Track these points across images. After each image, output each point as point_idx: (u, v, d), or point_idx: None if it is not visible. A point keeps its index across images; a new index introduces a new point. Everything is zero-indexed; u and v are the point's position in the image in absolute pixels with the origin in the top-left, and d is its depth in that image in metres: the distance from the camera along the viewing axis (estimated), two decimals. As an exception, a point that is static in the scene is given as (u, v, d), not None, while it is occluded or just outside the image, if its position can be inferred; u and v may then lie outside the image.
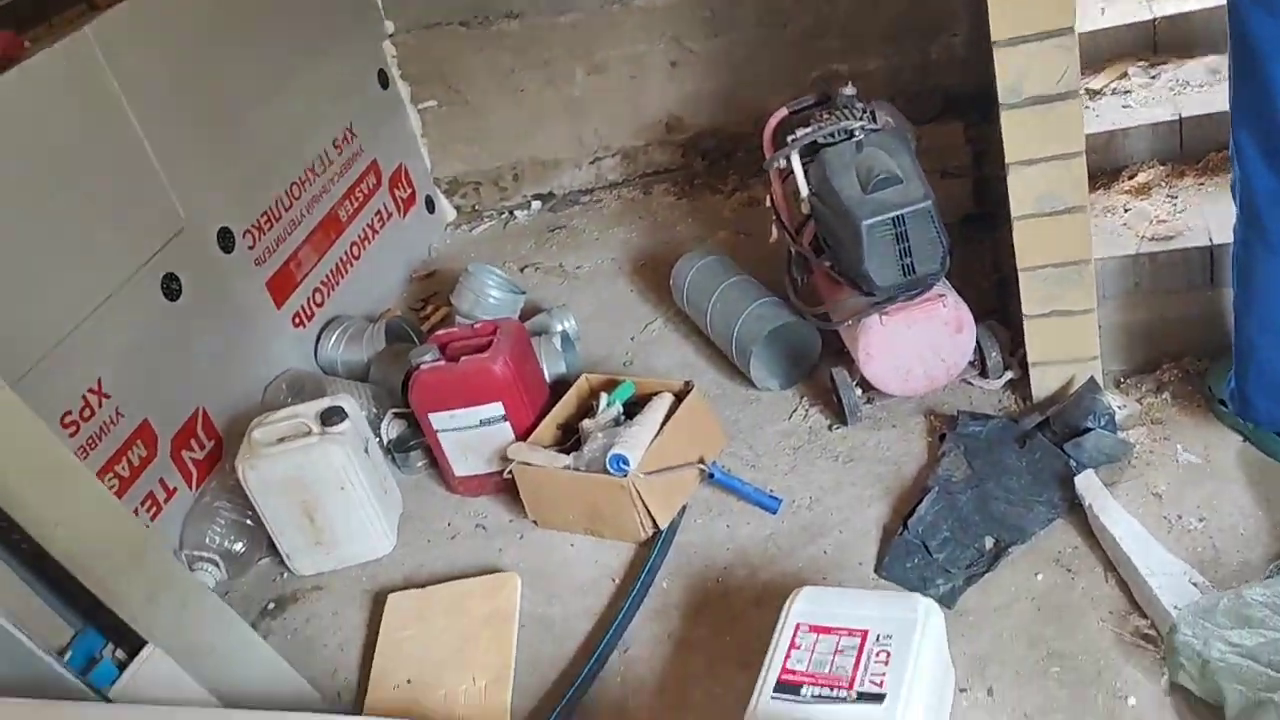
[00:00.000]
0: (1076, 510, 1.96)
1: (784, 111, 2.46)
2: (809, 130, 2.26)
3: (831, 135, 2.22)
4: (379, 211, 3.23)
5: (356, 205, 3.11)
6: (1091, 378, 2.11)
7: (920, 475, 2.15)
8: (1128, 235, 2.16)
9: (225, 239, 2.57)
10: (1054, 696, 1.67)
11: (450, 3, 3.30)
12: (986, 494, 2.03)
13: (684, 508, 2.22)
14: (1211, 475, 1.95)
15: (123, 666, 1.62)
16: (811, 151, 2.27)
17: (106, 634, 1.65)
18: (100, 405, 2.19)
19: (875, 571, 1.98)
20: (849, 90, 2.33)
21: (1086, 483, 1.97)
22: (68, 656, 1.57)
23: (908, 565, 1.96)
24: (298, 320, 2.80)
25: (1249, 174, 1.79)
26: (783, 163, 2.29)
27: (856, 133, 2.20)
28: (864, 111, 2.26)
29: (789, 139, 2.29)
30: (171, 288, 2.39)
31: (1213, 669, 1.54)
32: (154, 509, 2.30)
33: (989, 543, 1.96)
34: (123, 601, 1.63)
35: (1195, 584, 1.73)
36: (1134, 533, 1.85)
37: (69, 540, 1.57)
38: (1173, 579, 1.74)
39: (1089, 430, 2.02)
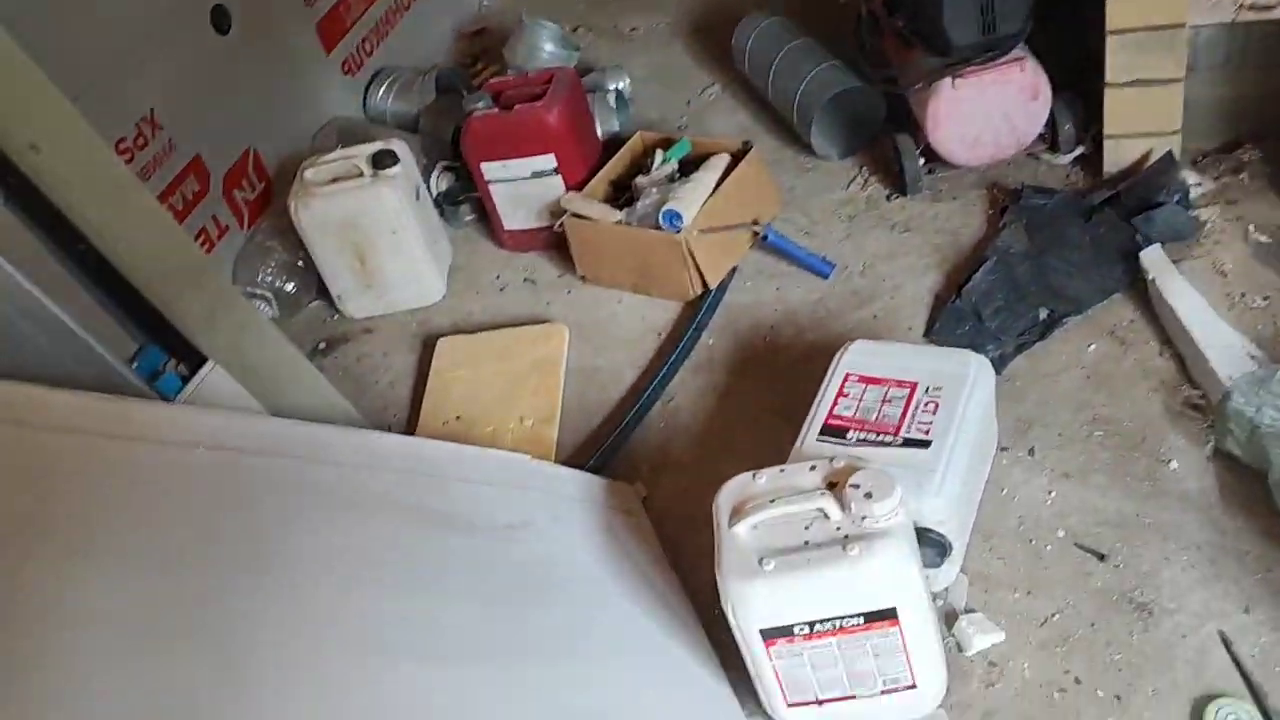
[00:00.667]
0: (1138, 286, 1.93)
1: None
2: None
3: (919, -123, 2.07)
4: (431, -41, 3.09)
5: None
6: (1169, 152, 2.03)
7: (979, 246, 2.11)
8: (1225, 2, 2.02)
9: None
10: (1095, 457, 1.69)
11: None
12: (1045, 265, 1.99)
13: (734, 269, 2.21)
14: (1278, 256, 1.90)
15: (185, 381, 1.67)
16: (892, -101, 2.13)
17: (169, 351, 1.69)
18: (153, 135, 2.17)
19: (925, 335, 1.97)
20: None
21: (1152, 257, 1.92)
22: (134, 366, 1.62)
23: (958, 331, 1.95)
24: (347, 68, 2.73)
25: None
26: (864, -92, 2.14)
27: (945, -125, 2.04)
28: None
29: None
30: (221, 21, 2.32)
31: (1262, 434, 1.54)
32: (207, 245, 2.31)
33: (1043, 313, 1.93)
34: (183, 318, 1.65)
35: (1254, 357, 1.71)
36: (1195, 305, 1.82)
37: (131, 254, 1.58)
38: (1230, 350, 1.72)
39: (1160, 205, 1.96)
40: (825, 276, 2.15)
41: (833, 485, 1.37)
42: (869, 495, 1.33)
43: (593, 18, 3.18)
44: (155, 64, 2.17)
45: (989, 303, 1.96)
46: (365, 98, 2.77)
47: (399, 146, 2.27)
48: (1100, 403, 1.77)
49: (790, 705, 1.43)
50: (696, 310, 2.14)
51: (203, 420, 1.54)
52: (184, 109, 2.23)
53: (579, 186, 2.29)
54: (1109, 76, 2.01)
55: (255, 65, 2.42)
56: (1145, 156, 2.06)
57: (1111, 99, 2.04)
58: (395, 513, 1.53)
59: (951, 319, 1.96)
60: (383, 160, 2.22)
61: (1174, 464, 1.64)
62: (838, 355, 1.69)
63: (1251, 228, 1.95)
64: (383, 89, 2.76)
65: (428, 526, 1.53)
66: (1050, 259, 2.00)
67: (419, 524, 1.53)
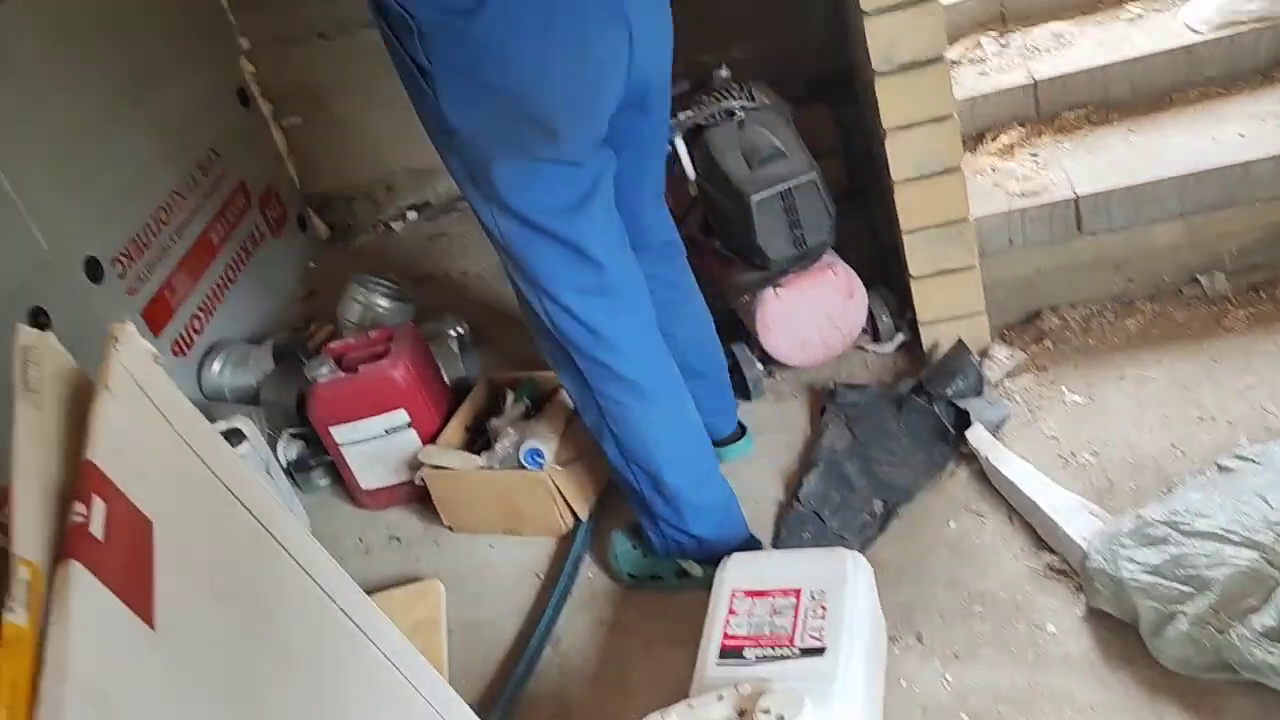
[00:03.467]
0: (973, 459, 2.04)
1: (661, 98, 2.48)
2: (690, 114, 2.29)
3: (713, 116, 2.27)
4: (251, 234, 3.13)
5: (228, 227, 3.00)
6: (959, 340, 2.19)
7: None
8: (998, 194, 2.27)
9: (93, 268, 2.45)
10: (979, 633, 1.74)
11: (307, 15, 3.23)
12: (870, 459, 2.09)
13: (601, 495, 2.22)
14: (1097, 411, 2.06)
15: None
16: (693, 135, 2.31)
17: None
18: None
19: (772, 544, 2.01)
20: (724, 72, 2.38)
21: (977, 436, 2.04)
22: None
23: (804, 535, 2.00)
24: (177, 349, 2.69)
25: None
26: (668, 148, 2.31)
27: (738, 112, 2.25)
28: (742, 91, 2.31)
29: (671, 123, 2.32)
30: (39, 322, 2.26)
31: (1126, 588, 1.62)
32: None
33: (878, 505, 2.01)
34: None
35: (1094, 514, 1.82)
36: (1028, 474, 1.93)
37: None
38: (1074, 512, 1.82)
39: (959, 392, 2.10)
40: (689, 491, 2.18)
41: (743, 713, 1.36)
42: (781, 718, 1.32)
43: (423, 266, 3.26)
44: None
45: (826, 504, 2.04)
46: (200, 376, 2.72)
47: (244, 423, 2.23)
48: (971, 577, 1.84)
49: None
50: (572, 543, 2.13)
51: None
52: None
53: (434, 437, 2.28)
54: (912, 270, 2.19)
55: (80, 360, 2.34)
56: (959, 339, 2.22)
57: (918, 290, 2.22)
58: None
59: (795, 525, 2.02)
60: (229, 440, 2.16)
61: (1051, 628, 1.71)
62: (718, 572, 1.71)
63: (1065, 389, 2.12)
64: (217, 364, 2.72)
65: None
66: (873, 452, 2.10)
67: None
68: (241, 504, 1.02)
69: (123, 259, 2.56)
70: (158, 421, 0.98)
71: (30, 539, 0.76)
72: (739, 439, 2.24)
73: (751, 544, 1.96)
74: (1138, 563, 1.64)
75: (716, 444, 2.14)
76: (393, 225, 3.51)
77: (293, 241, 3.37)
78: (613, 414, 1.84)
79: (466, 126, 1.58)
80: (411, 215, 3.52)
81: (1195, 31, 2.28)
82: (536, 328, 1.84)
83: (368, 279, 2.78)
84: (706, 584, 1.70)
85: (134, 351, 0.99)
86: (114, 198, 2.58)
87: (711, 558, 1.82)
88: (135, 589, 0.79)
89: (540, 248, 1.69)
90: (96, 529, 0.78)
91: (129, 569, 0.80)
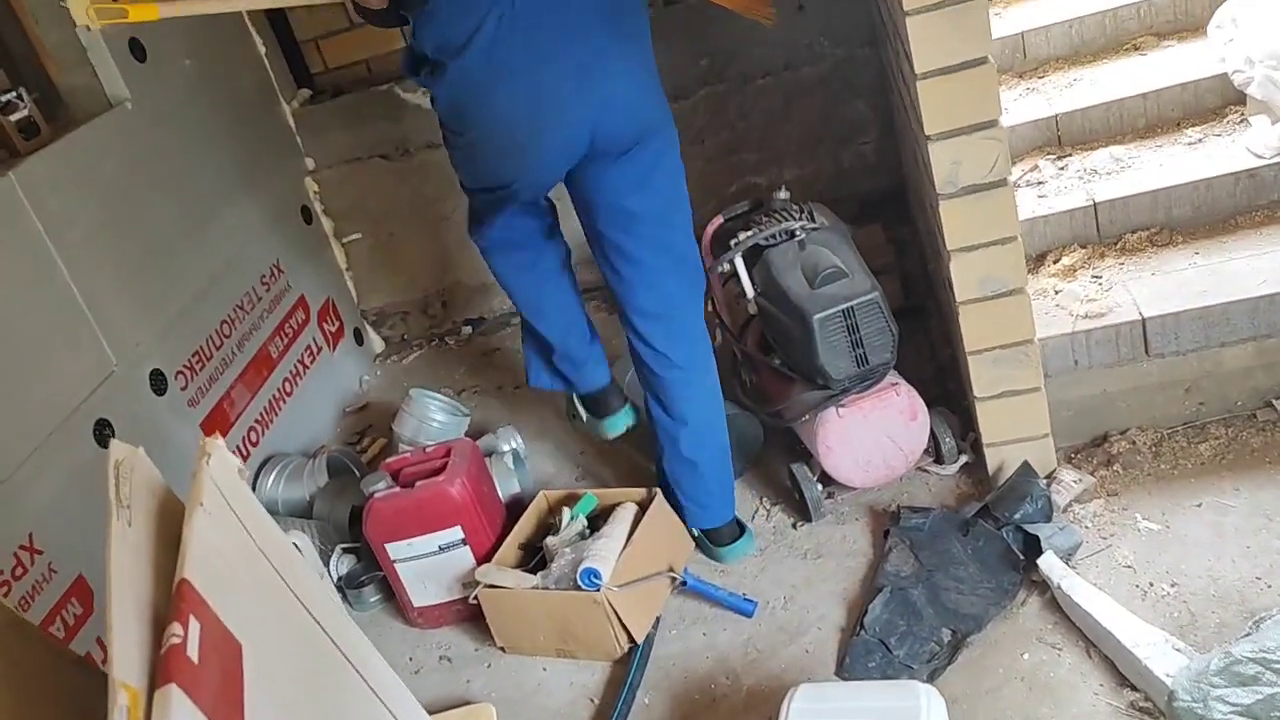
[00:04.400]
0: (1044, 589, 1.97)
1: (719, 220, 2.52)
2: (751, 234, 2.31)
3: (773, 236, 2.28)
4: (309, 347, 3.17)
5: (286, 341, 3.05)
6: (1025, 461, 2.14)
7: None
8: (1062, 315, 2.24)
9: (157, 381, 2.49)
10: (1061, 774, 1.65)
11: (371, 138, 3.33)
12: (937, 586, 2.03)
13: (658, 619, 2.17)
14: (1174, 540, 1.99)
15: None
16: (753, 254, 2.33)
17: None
18: (33, 562, 2.06)
19: (836, 673, 1.94)
20: (783, 194, 2.40)
21: (1050, 562, 1.98)
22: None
23: (869, 664, 1.93)
24: (233, 461, 2.70)
25: None
26: (727, 266, 2.33)
27: (798, 232, 2.26)
28: (802, 212, 2.33)
29: (731, 243, 2.35)
30: (104, 433, 2.29)
31: (1217, 729, 1.54)
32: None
33: (946, 635, 1.95)
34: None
35: (1179, 649, 1.74)
36: (1106, 606, 1.86)
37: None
38: (1157, 647, 1.75)
39: (1027, 517, 2.05)
40: (749, 615, 2.13)
41: None
42: None
43: (476, 380, 3.28)
44: (35, 487, 2.09)
45: (892, 631, 1.97)
46: (254, 489, 2.72)
47: (299, 539, 2.22)
48: (1048, 714, 1.75)
49: None
50: (627, 668, 2.07)
51: None
52: (66, 529, 2.13)
53: (488, 555, 2.25)
54: (976, 392, 2.16)
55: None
56: (1024, 463, 2.17)
57: (982, 412, 2.18)
58: None
59: (860, 653, 1.95)
60: (283, 556, 2.14)
61: (1139, 770, 1.62)
62: (784, 705, 1.64)
63: (1139, 516, 2.06)
64: (271, 477, 2.73)
65: None
66: (939, 578, 2.04)
67: None
68: (317, 623, 1.00)
69: (185, 371, 2.60)
70: (243, 537, 0.97)
71: (128, 662, 0.74)
72: (738, 537, 2.28)
73: (613, 390, 2.48)
74: (1229, 703, 1.55)
75: (710, 539, 2.30)
76: (447, 339, 3.55)
77: (349, 355, 3.40)
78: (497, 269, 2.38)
79: (454, 157, 2.11)
80: (466, 330, 3.55)
81: (1258, 156, 2.28)
82: None
83: (423, 393, 2.79)
84: (592, 430, 2.54)
85: (224, 466, 0.99)
86: (181, 312, 2.63)
87: (594, 396, 2.49)
88: (227, 712, 0.77)
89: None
90: (192, 651, 0.76)
91: (222, 692, 0.78)
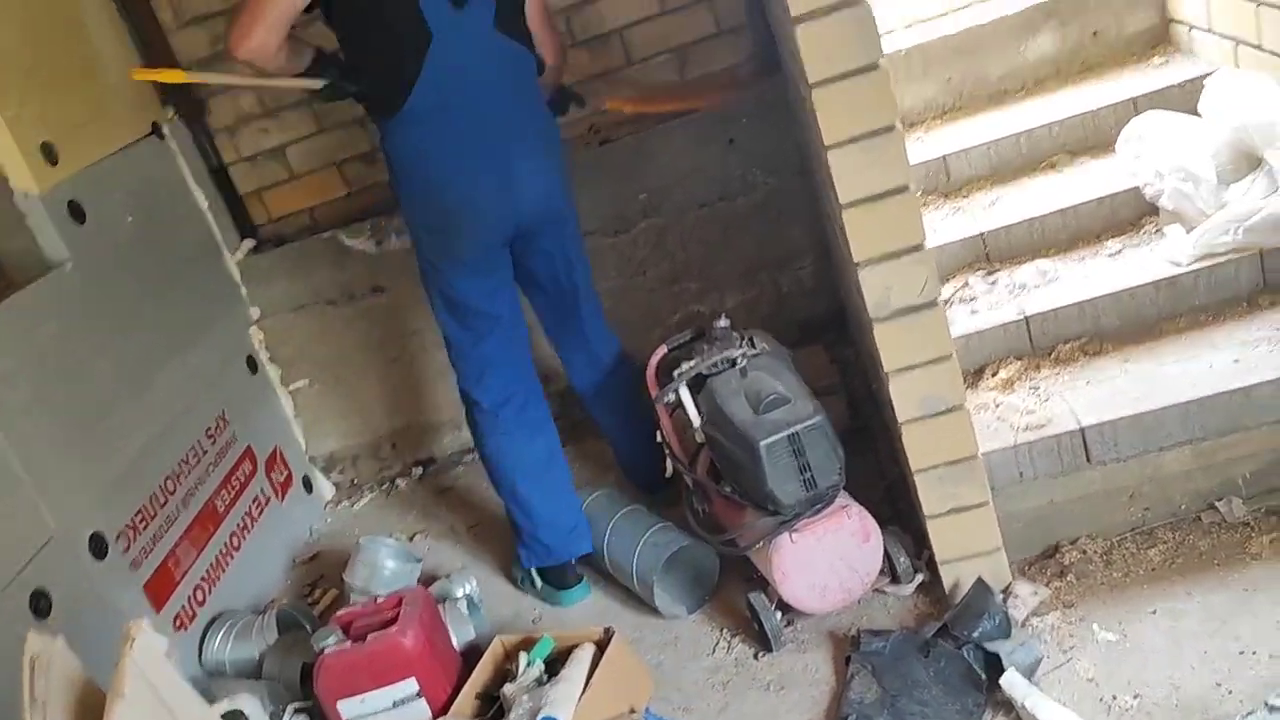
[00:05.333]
0: (1009, 707, 1.95)
1: (663, 350, 2.55)
2: (694, 363, 2.34)
3: (716, 365, 2.31)
4: (256, 498, 3.12)
5: (233, 494, 3.00)
6: (979, 578, 2.14)
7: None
8: (1003, 428, 2.28)
9: (97, 544, 2.42)
10: None
11: (316, 284, 3.35)
12: (901, 711, 2.00)
13: (621, 764, 2.11)
14: (1133, 650, 1.98)
15: None
16: (697, 383, 2.35)
17: None
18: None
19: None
20: (723, 322, 2.44)
21: (1012, 682, 1.95)
22: None
23: (848, 796, 1.89)
24: (179, 622, 2.62)
25: None
26: (672, 397, 2.35)
27: (739, 359, 2.30)
28: (742, 339, 2.36)
29: (674, 374, 2.37)
30: (41, 605, 2.21)
31: (1192, 847, 1.51)
32: None
33: (919, 760, 1.91)
34: None
35: (1147, 762, 1.72)
36: (1071, 721, 1.84)
37: None
38: (1126, 759, 1.73)
39: (987, 634, 2.03)
40: (715, 754, 2.08)
41: None
42: None
43: (428, 523, 3.23)
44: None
45: (864, 760, 1.93)
46: (201, 649, 2.63)
47: (247, 702, 2.15)
48: (1025, 839, 1.71)
49: None
50: (590, 820, 2.00)
51: None
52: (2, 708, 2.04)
53: (445, 707, 2.19)
54: (925, 510, 2.17)
55: (79, 645, 2.26)
56: (978, 578, 2.17)
57: (933, 529, 2.19)
58: None
59: (837, 781, 1.91)
60: (230, 722, 2.07)
61: None
62: None
63: (1096, 626, 2.06)
64: (219, 638, 2.64)
65: None
66: (904, 703, 2.01)
67: None
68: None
69: (128, 532, 2.54)
70: (166, 724, 0.93)
71: None
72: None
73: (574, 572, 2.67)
74: (1202, 818, 1.53)
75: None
76: (398, 482, 3.51)
77: (298, 504, 3.35)
78: (483, 434, 2.63)
79: (414, 233, 2.54)
80: (417, 471, 3.52)
81: (1175, 264, 2.36)
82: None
83: (373, 540, 2.75)
84: (545, 599, 2.68)
85: (149, 651, 0.96)
86: (123, 471, 2.59)
87: (554, 568, 2.67)
88: None
89: (446, 309, 2.56)
90: None
91: None
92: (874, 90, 1.85)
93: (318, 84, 2.40)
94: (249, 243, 3.36)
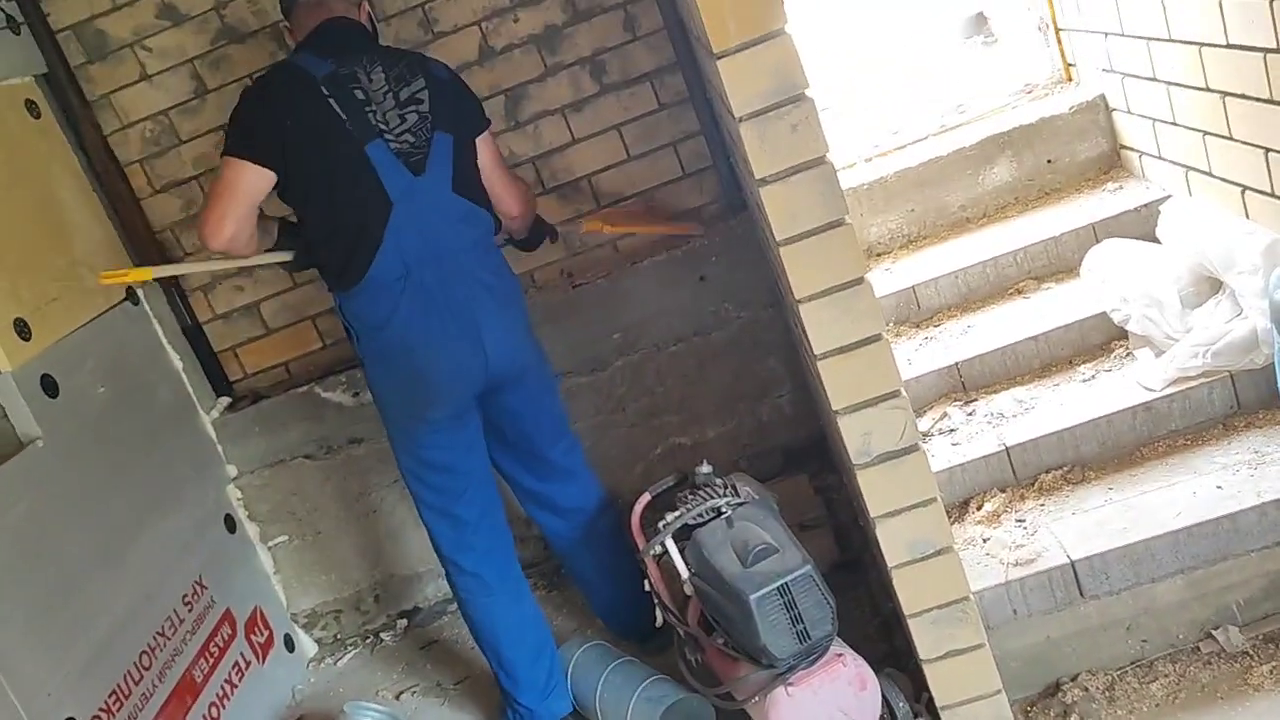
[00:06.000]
0: None
1: (647, 497, 2.53)
2: (678, 513, 2.32)
3: (701, 515, 2.29)
4: (236, 663, 3.03)
5: (212, 661, 2.91)
6: None
7: None
8: (993, 564, 2.26)
9: (70, 731, 2.34)
10: None
11: (293, 439, 3.32)
12: None
13: None
14: (1144, 792, 1.94)
15: None
16: (683, 534, 2.33)
17: None
18: None
19: None
20: (705, 469, 2.43)
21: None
22: None
23: None
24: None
25: None
26: (659, 549, 2.32)
27: (724, 509, 2.28)
28: (725, 487, 2.35)
29: (660, 524, 2.34)
30: None
31: None
32: None
33: None
34: None
35: None
36: None
37: None
38: None
39: None
40: None
41: None
42: None
43: (415, 678, 3.14)
44: None
45: None
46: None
47: None
48: None
49: None
50: None
51: None
52: None
53: None
54: (921, 654, 2.13)
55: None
56: (981, 721, 2.12)
57: (931, 675, 2.14)
58: None
59: None
60: None
61: None
62: None
63: (1109, 771, 2.01)
64: (199, 820, 2.53)
65: None
66: None
67: None
68: None
69: (102, 714, 2.46)
70: None
71: None
72: None
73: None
74: None
75: None
76: (383, 635, 3.43)
77: (280, 664, 3.26)
78: (466, 600, 2.61)
79: (381, 398, 2.53)
80: (401, 623, 3.44)
81: (1149, 389, 2.39)
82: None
83: (357, 707, 2.67)
84: None
85: None
86: (97, 650, 2.51)
87: None
88: None
89: (417, 471, 2.55)
90: None
91: None
92: (841, 246, 1.88)
93: (286, 256, 2.43)
94: (224, 400, 3.34)
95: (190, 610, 2.90)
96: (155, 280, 3.05)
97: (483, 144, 2.51)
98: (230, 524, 3.26)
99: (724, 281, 3.20)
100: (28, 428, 2.53)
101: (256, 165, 2.30)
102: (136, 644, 2.66)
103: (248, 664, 3.09)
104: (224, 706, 2.90)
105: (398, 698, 3.06)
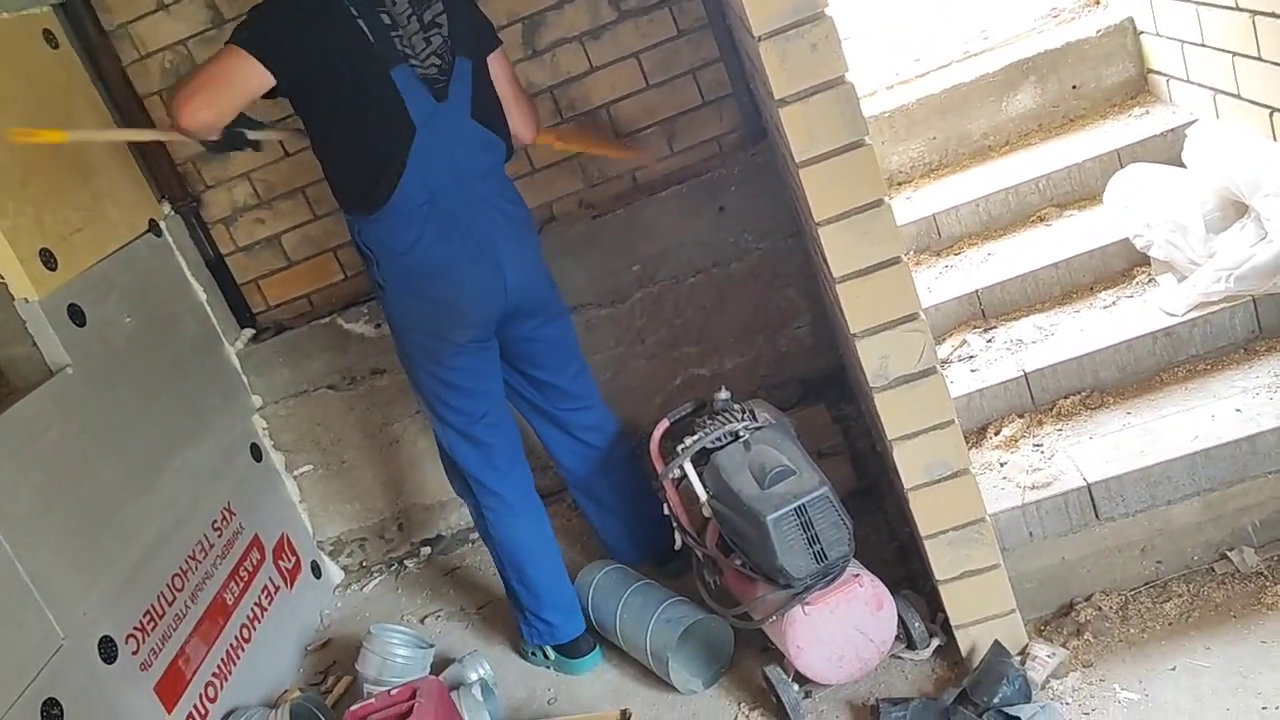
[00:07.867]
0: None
1: (665, 423, 2.56)
2: (696, 438, 2.35)
3: (719, 439, 2.32)
4: (265, 587, 3.10)
5: (242, 585, 2.98)
6: (996, 641, 2.13)
7: (876, 766, 2.09)
8: (1010, 488, 2.27)
9: (107, 648, 2.41)
10: None
11: (316, 369, 3.36)
12: None
13: None
14: (1155, 709, 1.97)
15: None
16: (701, 458, 2.35)
17: None
18: None
19: None
20: (724, 394, 2.45)
21: (1036, 745, 1.95)
22: None
23: None
24: (192, 722, 2.60)
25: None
26: (677, 472, 2.35)
27: (741, 433, 2.30)
28: (743, 412, 2.37)
29: (678, 449, 2.37)
30: (52, 713, 2.20)
31: None
32: None
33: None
34: None
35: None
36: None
37: None
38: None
39: (1007, 699, 2.01)
40: (739, 836, 2.05)
41: None
42: None
43: (439, 603, 3.21)
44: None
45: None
46: (214, 751, 2.61)
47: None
48: None
49: None
50: None
51: None
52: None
53: (462, 800, 2.16)
54: (937, 575, 2.16)
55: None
56: (995, 641, 2.15)
57: (946, 594, 2.18)
58: None
59: None
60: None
61: None
62: None
63: (1117, 687, 2.04)
64: (233, 734, 2.62)
65: None
66: (930, 771, 1.99)
67: None
68: None
69: (137, 634, 2.53)
70: None
71: None
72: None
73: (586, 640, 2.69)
74: None
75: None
76: (406, 563, 3.49)
77: (307, 590, 3.33)
78: (490, 520, 2.64)
79: (402, 321, 2.52)
80: (425, 550, 3.51)
81: (1170, 314, 2.38)
82: (443, 458, 2.72)
83: (384, 629, 2.73)
84: (558, 669, 2.70)
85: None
86: (130, 572, 2.58)
87: (561, 642, 2.69)
88: None
89: (440, 394, 2.56)
90: None
91: None
92: (860, 167, 1.87)
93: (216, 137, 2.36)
94: (248, 332, 3.38)
95: (220, 535, 2.97)
96: (71, 142, 2.73)
97: (496, 62, 2.49)
98: (256, 453, 3.31)
99: (743, 212, 3.19)
100: (57, 356, 2.57)
101: (261, 65, 2.21)
102: (169, 566, 2.72)
103: (276, 589, 3.16)
104: (254, 628, 2.98)
105: (422, 621, 3.12)
